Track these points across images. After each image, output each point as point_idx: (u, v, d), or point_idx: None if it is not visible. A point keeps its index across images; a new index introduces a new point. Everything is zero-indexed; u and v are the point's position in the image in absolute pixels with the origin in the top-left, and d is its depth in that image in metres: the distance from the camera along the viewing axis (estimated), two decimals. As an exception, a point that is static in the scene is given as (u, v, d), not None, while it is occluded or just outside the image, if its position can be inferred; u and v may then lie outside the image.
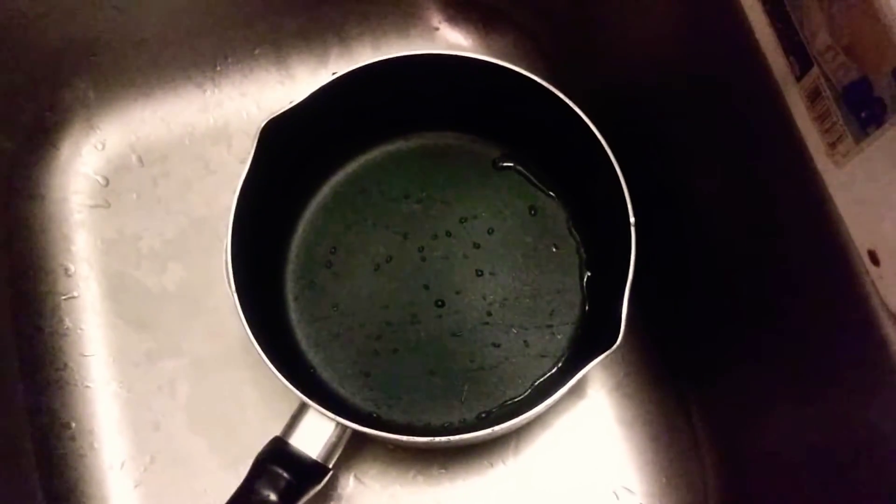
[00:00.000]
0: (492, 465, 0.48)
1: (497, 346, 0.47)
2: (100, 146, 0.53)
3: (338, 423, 0.41)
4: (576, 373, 0.40)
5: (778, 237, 0.36)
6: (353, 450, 0.46)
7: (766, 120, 0.33)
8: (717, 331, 0.46)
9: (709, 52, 0.38)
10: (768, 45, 0.31)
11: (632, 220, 0.41)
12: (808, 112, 0.29)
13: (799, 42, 0.29)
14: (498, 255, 0.49)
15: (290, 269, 0.49)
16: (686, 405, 0.49)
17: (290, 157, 0.45)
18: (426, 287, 0.49)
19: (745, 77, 0.34)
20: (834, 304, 0.34)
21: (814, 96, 0.29)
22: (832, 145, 0.29)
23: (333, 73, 0.43)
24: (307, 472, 0.41)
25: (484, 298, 0.48)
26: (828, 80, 0.28)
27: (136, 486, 0.48)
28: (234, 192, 0.42)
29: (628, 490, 0.48)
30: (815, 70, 0.28)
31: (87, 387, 0.49)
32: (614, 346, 0.39)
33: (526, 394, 0.47)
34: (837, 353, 0.35)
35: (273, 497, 0.40)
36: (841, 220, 0.31)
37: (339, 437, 0.42)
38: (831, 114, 0.28)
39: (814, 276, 0.35)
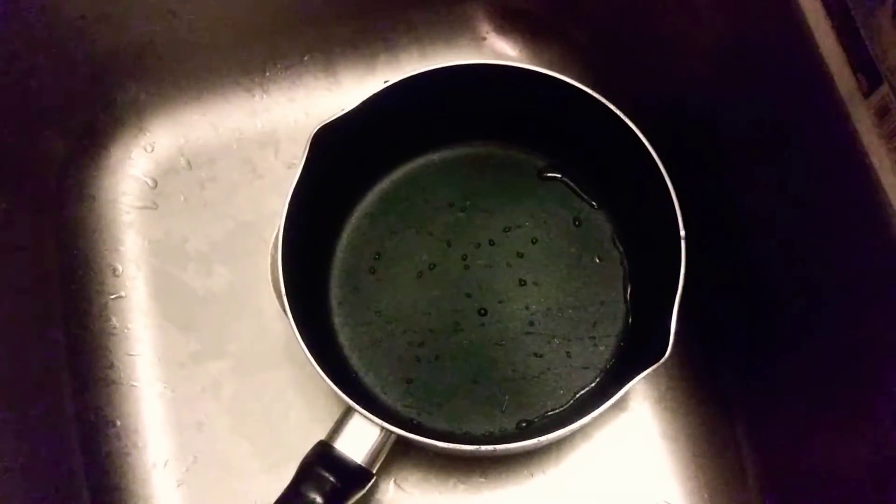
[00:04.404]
0: (532, 475, 0.48)
1: (539, 356, 0.47)
2: (149, 149, 0.54)
3: (383, 429, 0.41)
4: (622, 385, 0.39)
5: (837, 253, 0.36)
6: (393, 456, 0.46)
7: (830, 136, 0.33)
8: (763, 345, 0.45)
9: (768, 67, 0.37)
10: (834, 60, 0.31)
11: (682, 233, 0.41)
12: (875, 129, 0.29)
13: (868, 59, 0.29)
14: (541, 265, 0.49)
15: (335, 274, 0.49)
16: (730, 420, 0.48)
17: (338, 163, 0.46)
18: (469, 295, 0.49)
19: (808, 92, 0.34)
20: (892, 323, 0.34)
21: (882, 113, 0.29)
22: (900, 163, 0.29)
23: (385, 82, 0.44)
24: (352, 476, 0.41)
25: (527, 308, 0.48)
26: (898, 97, 0.28)
27: (178, 486, 0.48)
28: (285, 197, 0.42)
29: (670, 504, 0.48)
30: (884, 87, 0.28)
31: (133, 386, 0.49)
32: (662, 360, 0.39)
33: (568, 405, 0.47)
34: (892, 373, 0.35)
35: (319, 500, 0.40)
36: (905, 239, 0.30)
37: (384, 443, 0.42)
38: (900, 131, 0.28)
39: (871, 295, 0.35)
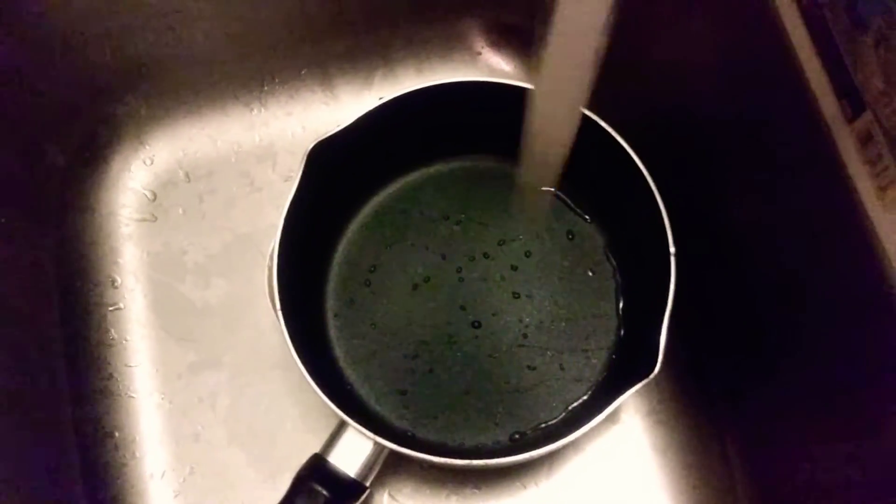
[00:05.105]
0: (524, 486, 0.49)
1: (532, 368, 0.48)
2: (148, 162, 0.54)
3: (376, 442, 0.41)
4: (613, 400, 0.40)
5: (824, 271, 0.36)
6: (387, 468, 0.46)
7: (814, 160, 0.33)
8: (753, 360, 0.46)
9: (756, 89, 0.38)
10: (819, 86, 0.31)
11: (672, 249, 0.42)
12: (858, 155, 0.30)
13: (852, 85, 0.29)
14: (535, 278, 0.50)
15: (331, 286, 0.50)
16: (720, 433, 0.49)
17: (334, 178, 0.46)
18: (463, 308, 0.49)
19: (794, 116, 0.34)
20: (878, 344, 0.34)
21: (865, 140, 0.29)
22: (882, 189, 0.29)
23: (380, 98, 0.44)
24: (345, 489, 0.42)
25: (520, 321, 0.49)
26: (881, 125, 0.28)
27: (175, 496, 0.49)
28: (281, 211, 0.43)
29: (661, 517, 0.48)
30: (867, 114, 0.29)
31: (131, 397, 0.50)
32: (652, 375, 0.39)
33: (560, 417, 0.47)
34: (878, 392, 0.35)
35: (312, 514, 0.40)
36: (889, 264, 0.31)
37: (377, 456, 0.42)
38: (883, 158, 0.29)
39: (857, 315, 0.35)
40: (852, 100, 0.30)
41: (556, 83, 0.19)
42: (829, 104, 0.31)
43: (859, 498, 0.38)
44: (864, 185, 0.30)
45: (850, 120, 0.30)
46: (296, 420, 0.49)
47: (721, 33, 0.40)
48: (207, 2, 0.50)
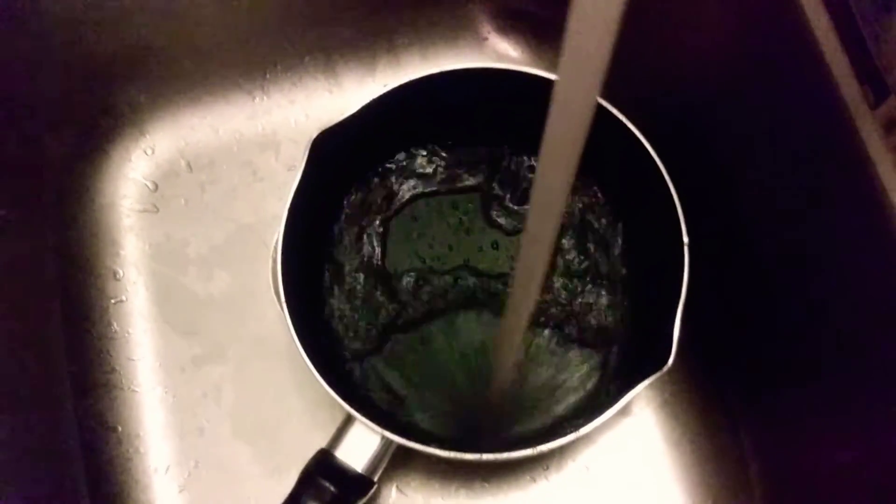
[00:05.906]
0: (534, 480, 0.48)
1: (543, 360, 0.47)
2: (149, 151, 0.53)
3: (383, 437, 0.41)
4: (625, 393, 0.39)
5: (841, 261, 0.35)
6: (395, 461, 0.46)
7: (835, 148, 0.32)
8: (767, 351, 0.45)
9: (772, 74, 0.37)
10: (840, 71, 0.30)
11: (685, 240, 0.41)
12: (882, 142, 0.29)
13: (875, 70, 0.28)
14: (544, 268, 0.49)
15: (336, 278, 0.49)
16: (734, 425, 0.48)
17: (338, 167, 0.45)
18: (471, 300, 0.48)
19: (813, 103, 0.33)
20: (893, 330, 0.34)
21: (890, 126, 0.28)
22: (908, 178, 0.28)
23: (385, 85, 0.43)
24: (353, 484, 0.41)
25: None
26: (906, 110, 0.27)
27: (180, 491, 0.48)
28: (284, 202, 0.42)
29: (673, 511, 0.47)
30: (891, 99, 0.28)
31: (134, 391, 0.49)
32: (665, 368, 0.39)
33: (571, 411, 0.46)
34: (893, 386, 0.35)
35: (319, 509, 0.40)
36: (912, 252, 0.30)
37: (385, 450, 0.42)
38: (909, 145, 0.28)
39: (876, 302, 0.34)
40: (875, 85, 0.29)
41: (578, 69, 0.18)
42: (850, 90, 0.30)
43: (874, 489, 0.37)
44: (888, 174, 0.29)
45: (874, 106, 0.29)
46: (301, 414, 0.49)
47: (737, 16, 0.39)
48: (208, -13, 0.49)
